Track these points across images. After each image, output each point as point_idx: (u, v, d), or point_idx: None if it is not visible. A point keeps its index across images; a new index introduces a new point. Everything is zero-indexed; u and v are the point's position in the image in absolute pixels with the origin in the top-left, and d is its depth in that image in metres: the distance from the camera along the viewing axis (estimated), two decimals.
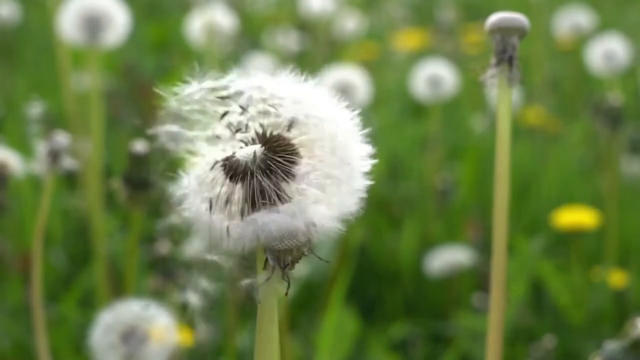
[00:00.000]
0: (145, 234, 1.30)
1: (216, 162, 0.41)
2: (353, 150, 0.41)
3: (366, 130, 0.41)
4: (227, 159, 0.41)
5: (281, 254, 0.40)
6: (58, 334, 1.15)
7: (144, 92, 1.92)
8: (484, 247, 1.36)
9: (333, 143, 0.41)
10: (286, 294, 0.40)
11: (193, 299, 0.88)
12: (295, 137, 0.41)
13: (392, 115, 1.84)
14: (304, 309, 1.30)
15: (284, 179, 0.40)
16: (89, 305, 1.22)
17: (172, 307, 0.90)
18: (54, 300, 1.23)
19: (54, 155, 0.78)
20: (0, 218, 0.97)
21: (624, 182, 1.57)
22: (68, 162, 0.78)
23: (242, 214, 0.40)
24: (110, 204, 1.37)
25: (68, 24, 1.25)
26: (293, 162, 0.41)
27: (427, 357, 1.26)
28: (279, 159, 0.41)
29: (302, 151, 0.41)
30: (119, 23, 1.26)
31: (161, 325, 0.83)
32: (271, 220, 0.39)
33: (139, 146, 0.92)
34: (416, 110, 1.88)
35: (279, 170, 0.40)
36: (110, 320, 0.83)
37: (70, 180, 1.51)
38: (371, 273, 1.42)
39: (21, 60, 2.22)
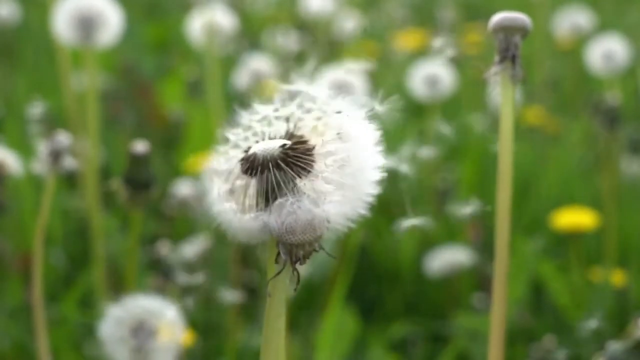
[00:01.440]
0: (146, 234, 1.30)
1: (235, 156, 0.42)
2: (367, 160, 0.42)
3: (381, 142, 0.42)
4: (245, 152, 0.42)
5: (293, 247, 0.40)
6: (58, 334, 1.15)
7: (144, 92, 1.92)
8: (484, 247, 1.36)
9: (350, 152, 0.41)
10: (295, 289, 0.41)
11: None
12: (314, 141, 0.42)
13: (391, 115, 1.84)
14: (304, 309, 1.30)
15: (299, 176, 0.41)
16: (89, 305, 1.22)
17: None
18: (54, 300, 1.23)
19: (56, 155, 0.78)
20: (0, 218, 0.97)
21: (624, 182, 1.57)
22: (69, 162, 0.78)
23: (256, 207, 0.41)
24: (109, 204, 1.37)
25: (62, 24, 1.25)
26: (309, 162, 0.41)
27: (427, 357, 1.26)
28: (296, 156, 0.41)
29: (318, 154, 0.42)
30: (113, 23, 1.26)
31: (169, 320, 0.83)
32: (290, 212, 0.40)
33: (139, 146, 0.91)
34: (416, 110, 1.88)
35: (294, 167, 0.41)
36: (120, 314, 0.83)
37: (70, 180, 1.51)
38: (371, 273, 1.42)
39: (21, 60, 2.21)
